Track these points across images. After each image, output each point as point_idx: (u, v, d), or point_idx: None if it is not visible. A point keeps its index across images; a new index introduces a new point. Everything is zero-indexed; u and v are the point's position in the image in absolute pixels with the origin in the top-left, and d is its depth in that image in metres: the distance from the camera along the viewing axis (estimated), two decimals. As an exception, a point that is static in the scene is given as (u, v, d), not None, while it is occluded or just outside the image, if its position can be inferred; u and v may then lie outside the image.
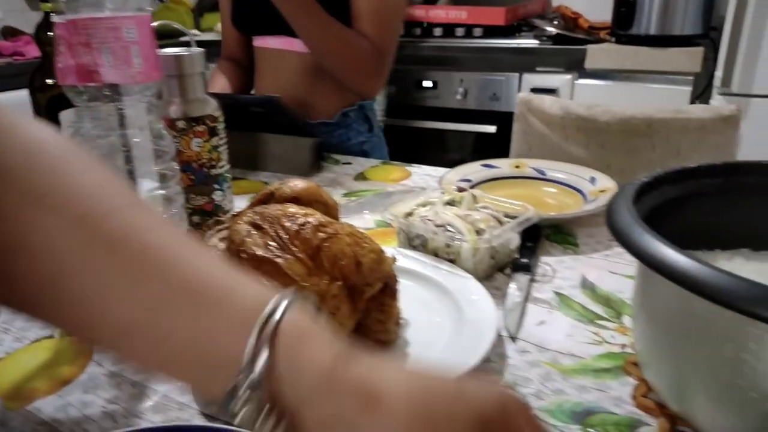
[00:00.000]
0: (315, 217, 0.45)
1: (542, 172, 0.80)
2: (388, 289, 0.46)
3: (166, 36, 1.75)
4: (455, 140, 1.97)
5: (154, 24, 0.61)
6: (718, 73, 1.52)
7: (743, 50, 1.48)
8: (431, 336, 0.48)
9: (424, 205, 0.62)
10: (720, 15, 1.65)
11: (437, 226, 0.58)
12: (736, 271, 0.45)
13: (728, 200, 0.48)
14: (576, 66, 1.70)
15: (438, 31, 1.94)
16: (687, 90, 1.59)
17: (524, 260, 0.60)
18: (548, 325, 0.51)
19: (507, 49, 1.81)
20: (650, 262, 0.34)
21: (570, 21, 1.86)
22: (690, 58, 1.56)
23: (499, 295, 0.55)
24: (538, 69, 1.77)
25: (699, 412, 0.37)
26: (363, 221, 0.72)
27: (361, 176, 0.91)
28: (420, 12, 1.95)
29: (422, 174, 0.91)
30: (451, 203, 0.61)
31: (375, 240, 0.67)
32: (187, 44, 0.62)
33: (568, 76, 1.72)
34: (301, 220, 0.44)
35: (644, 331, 0.40)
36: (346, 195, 0.83)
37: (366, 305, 0.45)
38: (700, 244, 0.48)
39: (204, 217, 0.63)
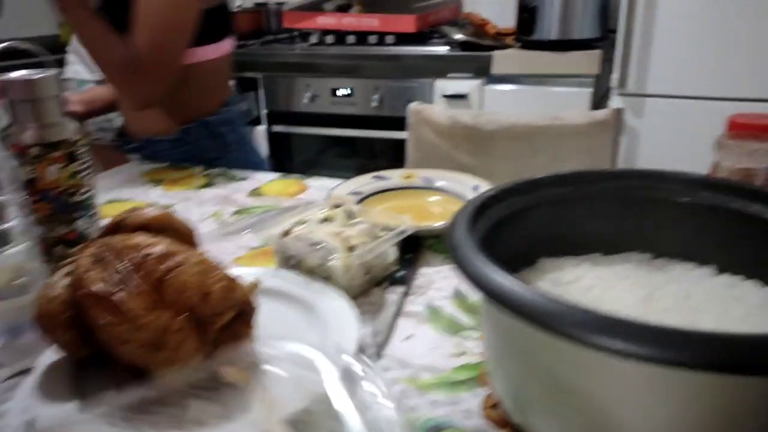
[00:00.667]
0: (160, 246, 0.43)
1: (430, 182, 0.81)
2: (243, 317, 0.45)
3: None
4: (374, 147, 1.98)
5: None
6: (615, 75, 1.60)
7: (636, 52, 1.56)
8: (292, 360, 0.47)
9: (301, 223, 0.61)
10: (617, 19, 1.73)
11: (312, 244, 0.58)
12: (580, 277, 0.47)
13: (579, 207, 0.50)
14: (484, 71, 1.75)
15: (351, 39, 1.94)
16: (588, 91, 1.65)
17: (400, 273, 0.61)
18: (415, 339, 0.51)
19: (419, 56, 1.83)
20: (474, 281, 0.35)
21: (478, 27, 1.91)
22: (589, 61, 1.63)
23: (373, 310, 0.55)
24: (449, 75, 1.80)
25: (535, 423, 0.38)
26: (248, 240, 0.71)
27: (256, 192, 0.89)
28: (332, 20, 1.95)
29: (319, 187, 0.90)
30: (327, 220, 0.61)
31: (256, 261, 0.66)
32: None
33: (478, 82, 1.76)
34: (145, 251, 0.43)
35: (487, 341, 0.41)
36: (236, 212, 0.81)
37: (217, 335, 0.44)
38: (551, 251, 0.49)
39: (67, 247, 0.59)
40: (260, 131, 2.08)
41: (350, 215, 0.62)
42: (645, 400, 0.31)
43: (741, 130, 0.55)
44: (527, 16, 1.66)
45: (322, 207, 0.63)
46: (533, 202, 0.49)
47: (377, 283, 0.60)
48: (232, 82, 1.20)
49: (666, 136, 1.58)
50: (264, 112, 2.06)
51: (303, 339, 0.50)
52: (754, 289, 0.44)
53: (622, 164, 1.67)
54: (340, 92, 1.94)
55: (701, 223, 0.47)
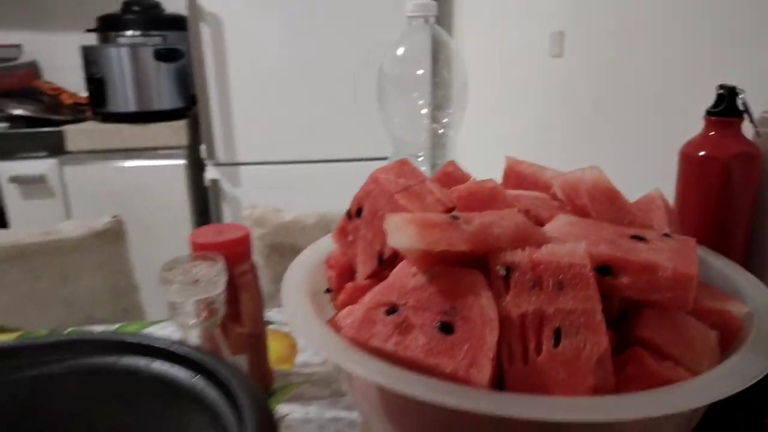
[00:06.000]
0: None
1: None
2: None
3: None
4: None
5: None
6: (203, 146, 1.55)
7: (218, 123, 1.54)
8: None
9: None
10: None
11: None
12: None
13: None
14: (60, 149, 1.51)
15: None
16: (182, 163, 1.57)
17: None
18: None
19: (-30, 135, 1.50)
20: None
21: (52, 97, 1.66)
22: (174, 133, 1.55)
23: None
24: (18, 156, 1.51)
25: None
26: None
27: None
28: None
29: None
30: None
31: None
32: None
33: (55, 161, 1.52)
34: None
35: None
36: None
37: None
38: None
39: None
40: None
41: None
42: None
43: (198, 251, 0.49)
44: (95, 87, 1.49)
45: None
46: None
47: None
48: None
49: (264, 200, 1.58)
50: None
51: None
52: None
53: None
54: None
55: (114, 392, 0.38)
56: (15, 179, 1.51)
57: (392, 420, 0.37)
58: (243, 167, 1.59)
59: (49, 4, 1.88)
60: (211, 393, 0.34)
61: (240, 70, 1.51)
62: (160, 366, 0.37)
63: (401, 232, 0.33)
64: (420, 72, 0.60)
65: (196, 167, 1.62)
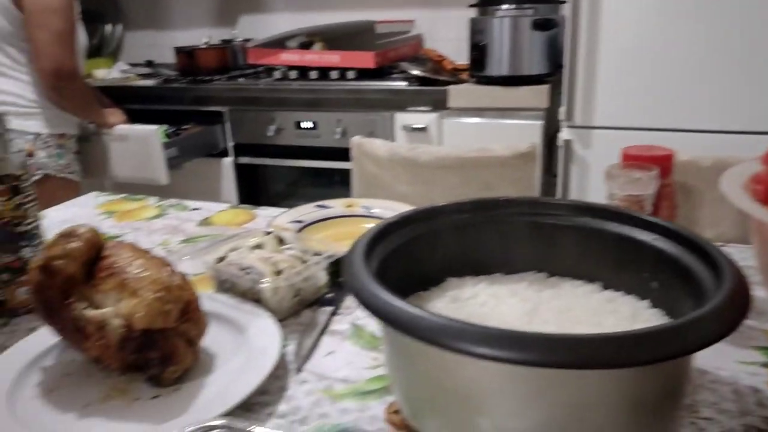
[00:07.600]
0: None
1: (369, 210, 0.86)
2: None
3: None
4: (337, 177, 2.04)
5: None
6: (562, 108, 1.68)
7: (580, 87, 1.65)
8: (217, 371, 0.51)
9: (235, 249, 0.66)
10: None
11: (242, 269, 0.62)
12: (476, 294, 0.52)
13: (482, 232, 0.55)
14: (441, 105, 1.82)
15: (313, 74, 2.01)
16: (540, 124, 1.73)
17: (329, 295, 0.65)
18: (335, 354, 0.55)
19: (379, 90, 1.91)
20: (361, 300, 0.40)
21: (436, 63, 1.99)
22: (538, 95, 1.71)
23: (300, 330, 0.59)
24: (408, 108, 1.88)
25: (425, 424, 0.42)
26: (190, 267, 0.75)
27: (205, 222, 0.93)
28: (295, 56, 2.02)
29: (267, 216, 0.94)
30: (258, 247, 0.65)
31: (195, 285, 0.70)
32: None
33: (436, 115, 1.84)
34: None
35: (385, 353, 0.45)
36: (184, 241, 0.85)
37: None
38: (458, 271, 0.54)
39: (13, 274, 0.63)
40: (227, 163, 2.12)
41: (281, 242, 0.66)
42: (503, 394, 0.36)
43: (630, 161, 0.62)
44: (478, 53, 1.74)
45: (255, 235, 0.68)
46: (437, 227, 0.54)
47: (308, 305, 0.64)
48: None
49: (610, 162, 1.65)
50: (230, 144, 2.11)
51: (231, 355, 0.54)
52: (628, 303, 0.49)
53: (574, 191, 1.75)
54: (304, 125, 2.00)
55: (588, 244, 0.53)
56: (405, 127, 1.87)
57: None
58: (597, 131, 1.67)
59: (439, -15, 2.24)
60: (681, 254, 0.45)
61: (612, 40, 1.58)
62: (621, 228, 0.51)
63: None
64: None
65: (549, 128, 1.77)
